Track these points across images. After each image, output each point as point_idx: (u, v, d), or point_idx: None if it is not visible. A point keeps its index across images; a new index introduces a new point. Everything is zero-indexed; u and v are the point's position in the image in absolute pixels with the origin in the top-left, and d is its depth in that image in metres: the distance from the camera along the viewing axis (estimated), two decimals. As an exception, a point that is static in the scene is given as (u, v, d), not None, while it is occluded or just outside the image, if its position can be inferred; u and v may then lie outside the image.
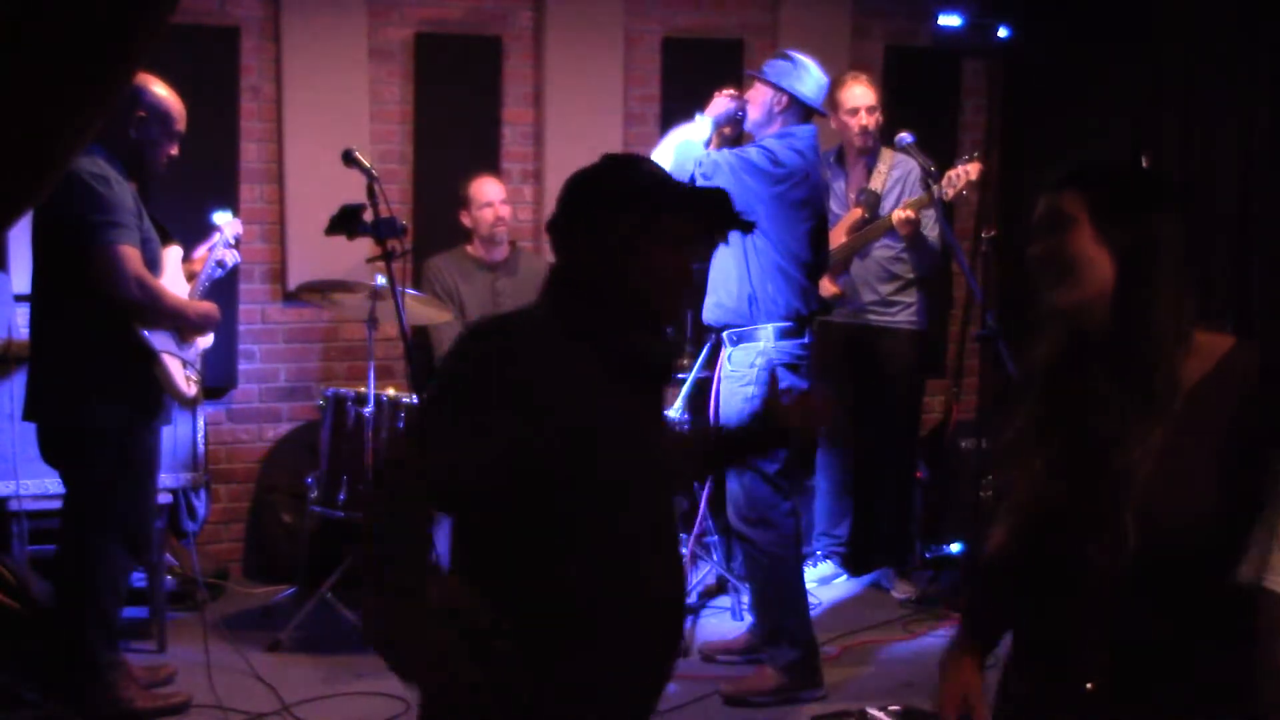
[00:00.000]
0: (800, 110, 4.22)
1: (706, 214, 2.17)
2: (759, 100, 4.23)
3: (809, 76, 4.21)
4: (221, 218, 4.34)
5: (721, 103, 4.30)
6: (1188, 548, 1.89)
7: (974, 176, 4.94)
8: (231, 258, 4.31)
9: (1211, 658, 1.92)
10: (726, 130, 4.33)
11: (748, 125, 4.29)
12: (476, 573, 2.08)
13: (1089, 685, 1.93)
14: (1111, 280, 1.93)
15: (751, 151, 4.14)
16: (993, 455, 2.19)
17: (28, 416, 3.92)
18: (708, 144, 4.25)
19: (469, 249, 5.32)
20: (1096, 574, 1.91)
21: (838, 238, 5.03)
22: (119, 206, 3.77)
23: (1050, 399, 2.00)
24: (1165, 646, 1.92)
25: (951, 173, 4.95)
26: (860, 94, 5.13)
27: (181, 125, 3.98)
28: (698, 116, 4.31)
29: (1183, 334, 1.94)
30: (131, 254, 3.77)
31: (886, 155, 5.09)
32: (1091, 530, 1.91)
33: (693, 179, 4.10)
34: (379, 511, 2.04)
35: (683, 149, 4.18)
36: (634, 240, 2.08)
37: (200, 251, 4.27)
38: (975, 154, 5.09)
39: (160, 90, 3.92)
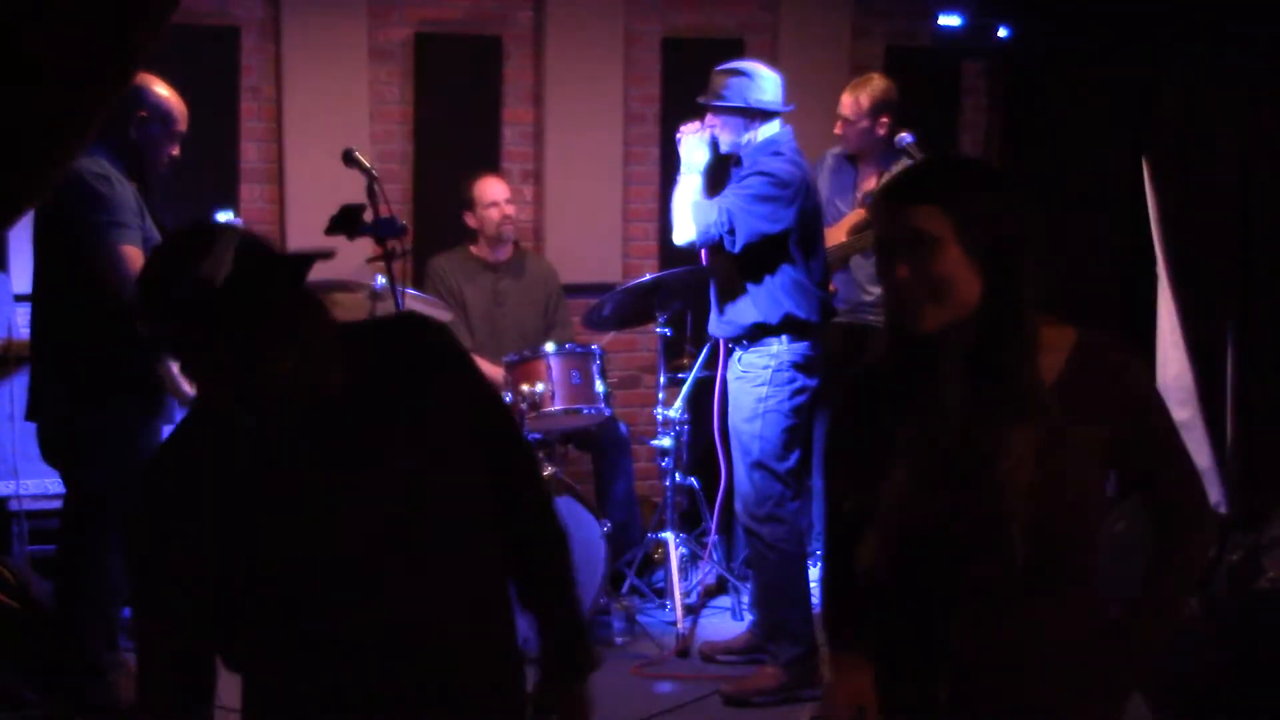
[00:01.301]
0: (768, 115, 4.23)
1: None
2: (728, 124, 4.23)
3: (764, 81, 4.22)
4: (222, 218, 4.33)
5: (692, 144, 4.31)
6: (1076, 552, 1.89)
7: None
8: None
9: (1081, 659, 1.92)
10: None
11: (724, 149, 4.29)
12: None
13: (943, 694, 1.91)
14: (978, 294, 1.86)
15: (753, 182, 4.13)
16: (843, 469, 2.06)
17: (29, 416, 3.92)
18: (705, 190, 4.28)
19: (473, 249, 5.32)
20: (974, 586, 1.87)
21: (838, 236, 5.03)
22: (121, 206, 3.77)
23: (899, 410, 1.92)
24: (1046, 651, 1.90)
25: None
26: (842, 102, 5.11)
27: (183, 125, 3.98)
28: (679, 175, 4.33)
29: (1036, 331, 1.89)
30: (133, 254, 3.77)
31: (901, 162, 5.06)
32: (969, 543, 1.86)
33: (720, 239, 4.13)
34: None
35: (698, 212, 4.18)
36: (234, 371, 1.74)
37: None
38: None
39: (162, 90, 3.92)
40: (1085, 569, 1.93)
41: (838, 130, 5.11)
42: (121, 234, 3.75)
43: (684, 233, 4.22)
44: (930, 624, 1.92)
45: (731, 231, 4.12)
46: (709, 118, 4.29)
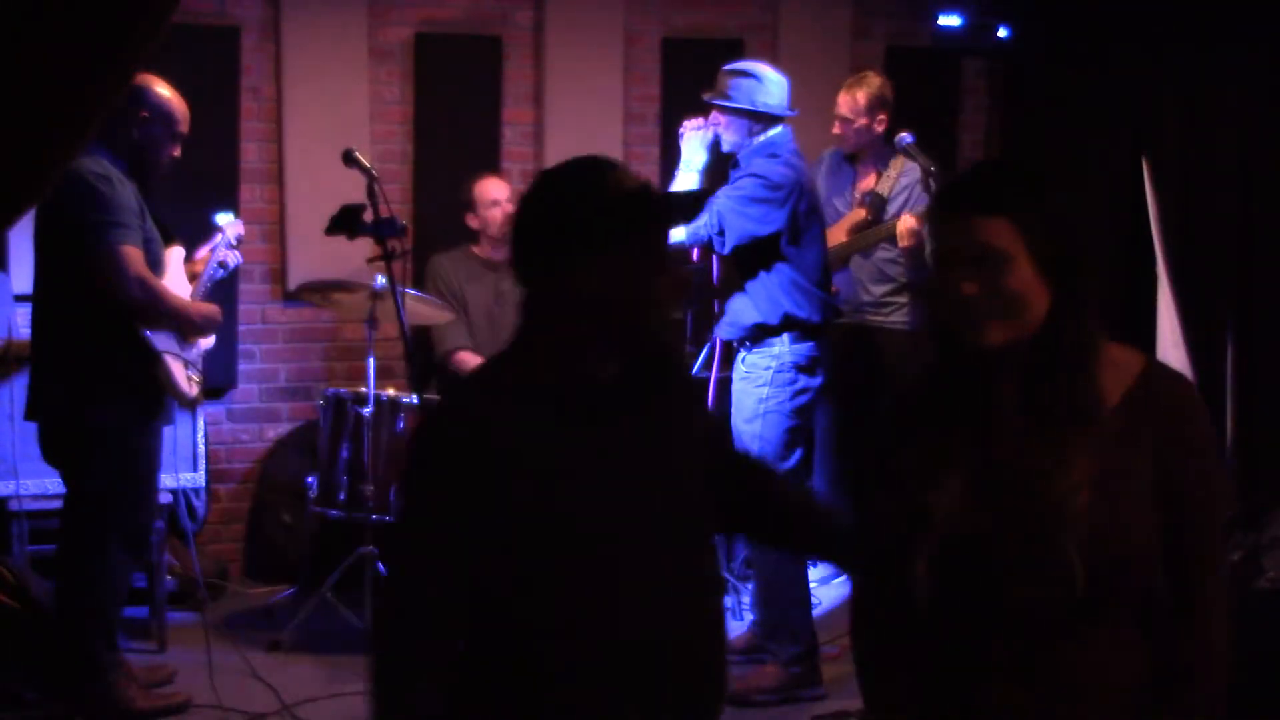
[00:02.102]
0: (773, 119, 4.23)
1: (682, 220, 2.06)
2: (732, 125, 4.24)
3: (771, 85, 4.23)
4: (223, 219, 4.34)
5: (694, 141, 4.31)
6: (1129, 587, 1.79)
7: None
8: (233, 259, 4.31)
9: (1126, 704, 1.82)
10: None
11: (726, 148, 4.30)
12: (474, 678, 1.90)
13: None
14: (1045, 309, 1.78)
15: (745, 185, 4.14)
16: (890, 482, 1.92)
17: (29, 416, 3.92)
18: (702, 169, 4.28)
19: (474, 249, 5.32)
20: (1024, 610, 1.77)
21: (838, 236, 5.03)
22: (121, 206, 3.77)
23: (951, 423, 1.84)
24: (1092, 690, 1.80)
25: None
26: (839, 102, 5.11)
27: (184, 126, 3.98)
28: (678, 172, 4.33)
29: (1100, 347, 1.82)
30: (134, 254, 3.77)
31: (898, 161, 5.06)
32: (1023, 563, 1.76)
33: (710, 239, 4.14)
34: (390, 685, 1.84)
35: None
36: (621, 260, 1.85)
37: (202, 252, 4.28)
38: None
39: (163, 91, 3.93)
40: (1137, 609, 1.82)
41: (836, 130, 5.11)
42: (122, 234, 3.75)
43: (674, 233, 4.22)
44: (977, 649, 1.81)
45: (721, 233, 4.13)
46: (714, 116, 4.29)
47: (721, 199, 4.15)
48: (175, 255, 4.11)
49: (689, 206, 3.79)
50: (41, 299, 3.90)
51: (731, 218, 4.11)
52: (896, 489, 1.87)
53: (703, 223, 4.13)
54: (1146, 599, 1.82)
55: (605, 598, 1.84)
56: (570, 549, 1.83)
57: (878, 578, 1.93)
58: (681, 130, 4.40)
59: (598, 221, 1.83)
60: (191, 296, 4.11)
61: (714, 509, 2.00)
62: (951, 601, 1.81)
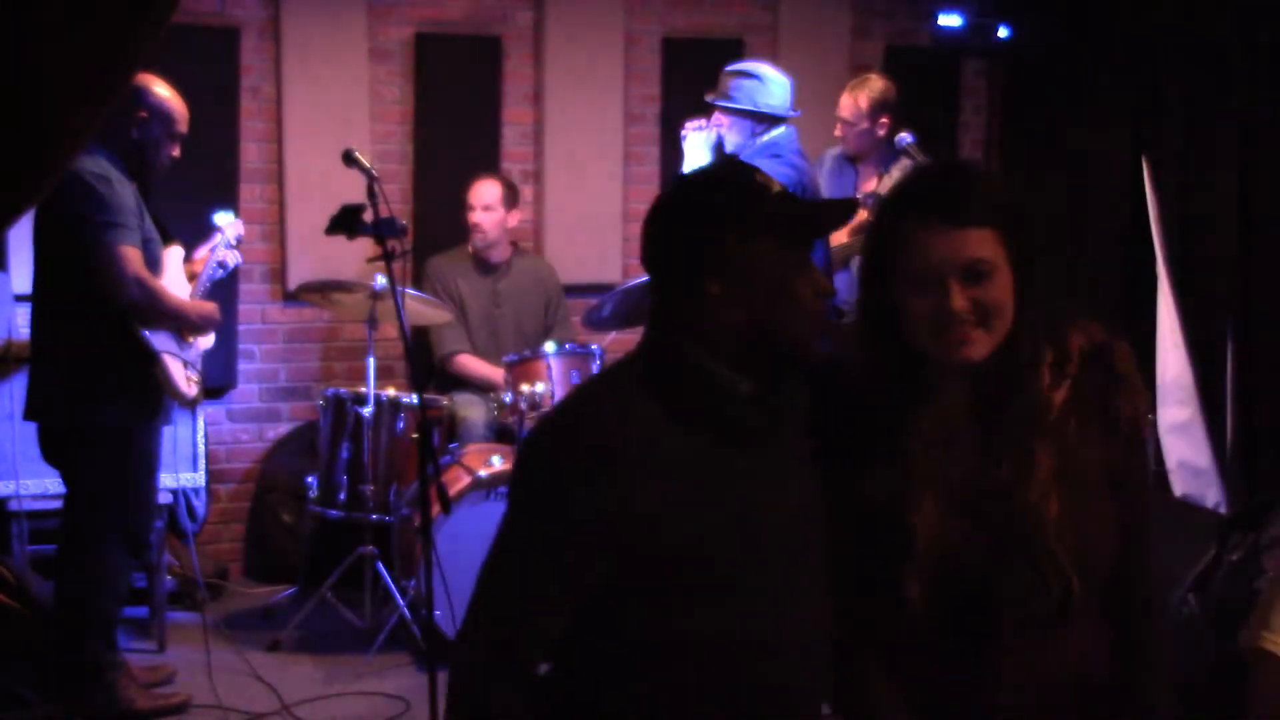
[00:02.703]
0: (776, 120, 4.24)
1: (830, 228, 1.88)
2: (735, 126, 4.24)
3: (773, 85, 4.23)
4: (223, 219, 4.33)
5: (696, 145, 4.30)
6: (1103, 569, 1.80)
7: None
8: (233, 258, 4.31)
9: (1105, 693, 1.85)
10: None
11: (729, 149, 4.30)
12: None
13: None
14: (1012, 316, 1.75)
15: None
16: (855, 510, 1.84)
17: (28, 416, 3.92)
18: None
19: (472, 250, 5.32)
20: (1016, 619, 1.76)
21: (839, 237, 5.01)
22: (120, 207, 3.77)
23: (906, 441, 1.78)
24: (1081, 685, 1.82)
25: None
26: (841, 104, 5.10)
27: (184, 126, 3.98)
28: (680, 173, 4.32)
29: (1056, 346, 1.80)
30: (132, 254, 3.77)
31: (902, 163, 5.05)
32: (1011, 574, 1.75)
33: None
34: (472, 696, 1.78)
35: None
36: (776, 270, 1.75)
37: (201, 252, 4.28)
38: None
39: (163, 91, 3.93)
40: (1102, 598, 1.84)
41: (837, 132, 5.10)
42: (120, 234, 3.75)
43: None
44: (969, 663, 1.79)
45: None
46: (717, 116, 4.28)
47: None
48: (174, 255, 4.11)
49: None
50: (41, 299, 3.89)
51: None
52: (871, 515, 1.80)
53: None
54: (1108, 587, 1.84)
55: (725, 618, 1.75)
56: (695, 568, 1.74)
57: (868, 604, 1.84)
58: (683, 132, 4.40)
59: (729, 223, 1.75)
60: (191, 296, 4.11)
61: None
62: (947, 619, 1.78)
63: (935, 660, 1.81)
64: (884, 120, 5.05)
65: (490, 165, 5.59)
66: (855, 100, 5.02)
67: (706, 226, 1.75)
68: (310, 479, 4.80)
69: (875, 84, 5.05)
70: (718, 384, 1.77)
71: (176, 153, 4.00)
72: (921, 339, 1.76)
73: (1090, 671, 1.83)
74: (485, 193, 5.22)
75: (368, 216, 4.01)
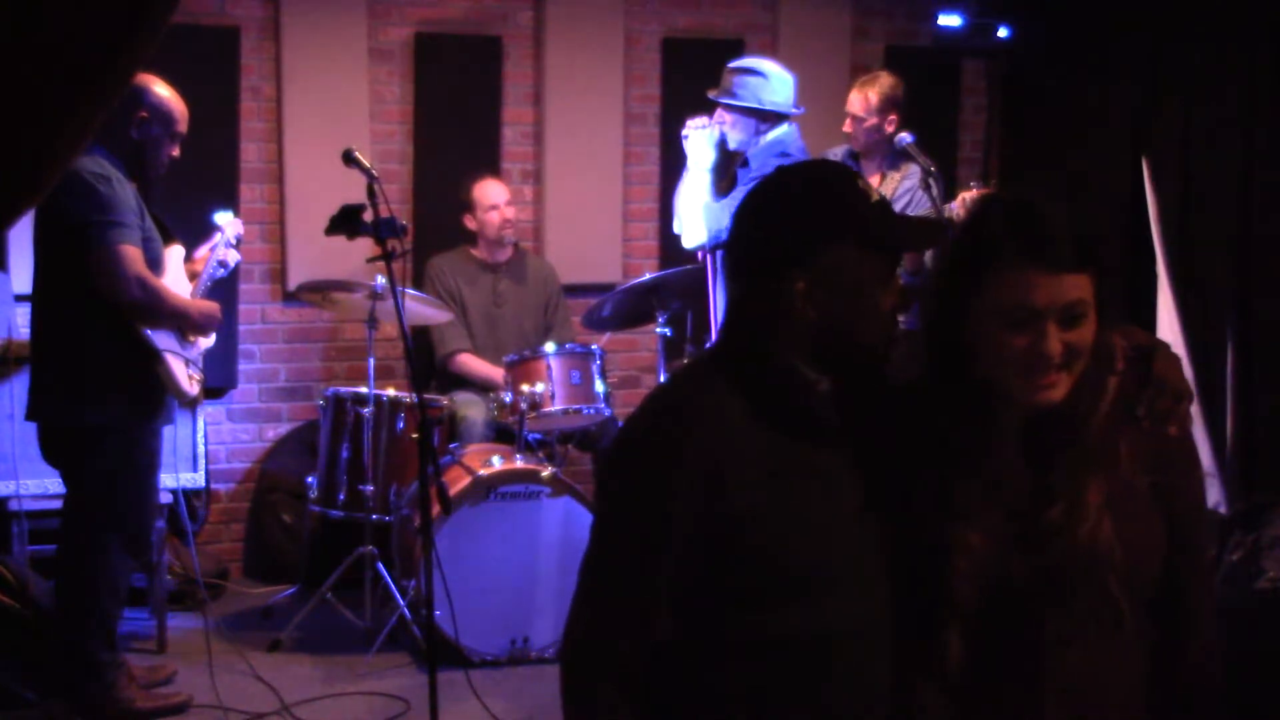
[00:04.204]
0: (779, 117, 4.22)
1: (920, 246, 1.90)
2: (739, 123, 4.22)
3: (777, 82, 4.22)
4: (223, 218, 4.34)
5: (698, 141, 4.29)
6: (1150, 588, 1.80)
7: None
8: (233, 257, 4.31)
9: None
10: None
11: (732, 146, 4.29)
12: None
13: None
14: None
15: None
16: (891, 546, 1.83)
17: (30, 416, 3.91)
18: (715, 190, 4.25)
19: (472, 250, 5.32)
20: (1062, 648, 1.75)
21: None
22: (121, 206, 3.77)
23: (953, 473, 1.77)
24: (1114, 683, 1.80)
25: (966, 194, 4.90)
26: (850, 101, 5.10)
27: (183, 126, 3.98)
28: (686, 172, 4.31)
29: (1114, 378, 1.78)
30: (133, 254, 3.77)
31: (903, 163, 5.05)
32: (1068, 612, 1.74)
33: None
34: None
35: (709, 215, 4.16)
36: (845, 274, 1.76)
37: (202, 251, 4.28)
38: (991, 180, 5.07)
39: (162, 91, 3.93)
40: (1147, 612, 1.83)
41: (847, 128, 5.10)
42: (121, 234, 3.75)
43: (694, 235, 4.20)
44: (1011, 689, 1.77)
45: None
46: (719, 113, 4.27)
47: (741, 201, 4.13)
48: (175, 254, 4.11)
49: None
50: (41, 299, 3.89)
51: None
52: (915, 546, 1.78)
53: (725, 225, 4.08)
54: (1158, 602, 1.82)
55: (808, 628, 1.75)
56: (779, 564, 1.75)
57: (909, 647, 1.81)
58: (685, 131, 4.39)
59: (826, 227, 1.76)
60: (191, 295, 4.11)
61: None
62: (986, 670, 1.76)
63: (976, 691, 1.79)
64: (892, 118, 5.05)
65: (490, 165, 5.59)
66: (866, 96, 5.02)
67: (803, 223, 1.77)
68: (310, 479, 4.80)
69: (885, 80, 5.05)
70: (801, 381, 1.79)
71: (176, 152, 4.01)
72: (1006, 377, 1.74)
73: (1123, 687, 1.82)
74: (495, 192, 5.25)
75: (368, 216, 4.01)
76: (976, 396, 1.77)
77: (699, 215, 4.19)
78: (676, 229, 4.42)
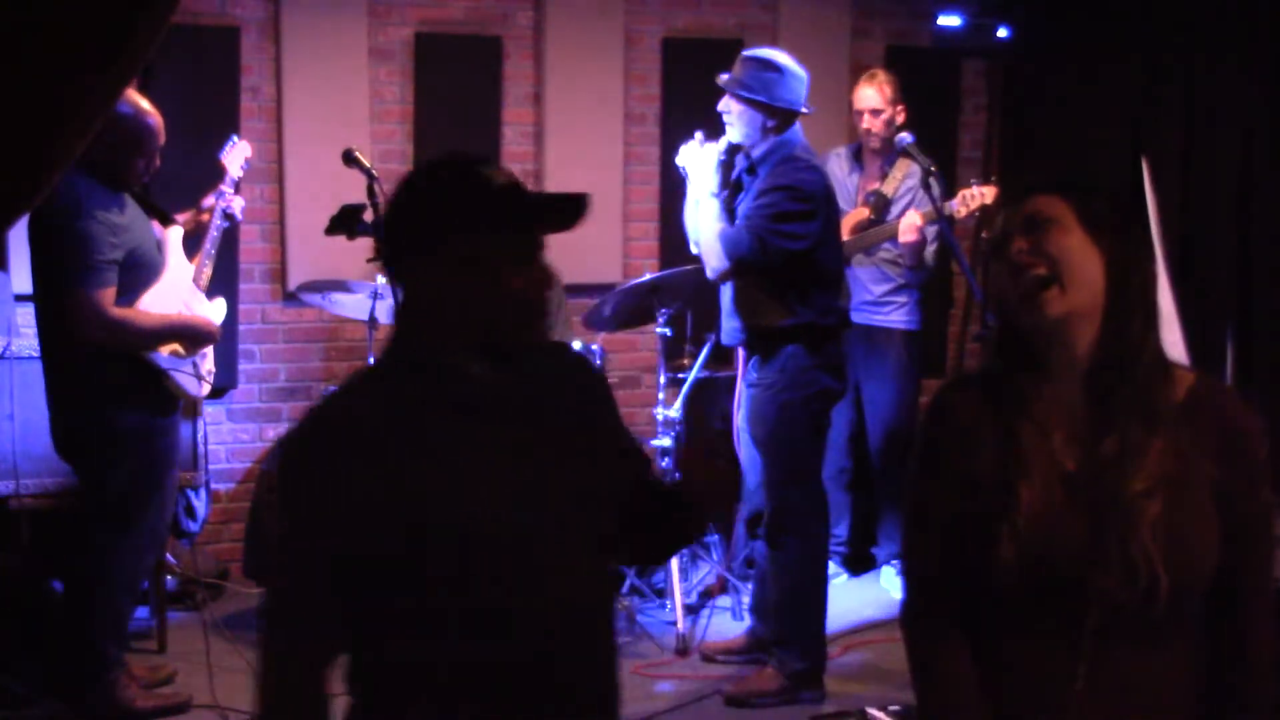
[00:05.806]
0: (788, 115, 4.14)
1: (559, 224, 1.91)
2: (745, 115, 4.11)
3: (792, 79, 4.10)
4: (228, 155, 4.35)
5: (701, 166, 4.20)
6: (1199, 588, 1.80)
7: (989, 200, 4.86)
8: (238, 205, 4.32)
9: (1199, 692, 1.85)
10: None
11: (734, 139, 4.18)
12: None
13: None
14: (1102, 289, 1.80)
15: (774, 199, 4.03)
16: (953, 478, 1.88)
17: (54, 419, 3.88)
18: (720, 194, 4.20)
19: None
20: (1102, 616, 1.77)
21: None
22: (92, 240, 3.71)
23: (1016, 418, 1.84)
24: (1164, 688, 1.81)
25: (966, 192, 4.90)
26: (866, 96, 5.11)
27: (162, 138, 3.92)
28: (689, 192, 4.27)
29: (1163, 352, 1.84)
30: (97, 298, 3.73)
31: (904, 162, 5.04)
32: (1105, 562, 1.76)
33: (755, 261, 4.05)
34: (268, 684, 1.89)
35: (728, 242, 4.02)
36: (476, 260, 1.82)
37: (209, 201, 4.27)
38: (992, 177, 5.07)
39: (141, 103, 3.87)
40: (1198, 619, 1.84)
41: (864, 124, 5.11)
42: (87, 277, 3.71)
43: (717, 263, 4.09)
44: (1051, 654, 1.81)
45: (765, 253, 4.04)
46: (722, 102, 4.18)
47: (755, 219, 4.04)
48: (175, 235, 4.11)
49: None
50: (42, 301, 3.89)
51: (769, 239, 4.01)
52: (978, 486, 1.84)
53: (745, 250, 4.03)
54: (1206, 608, 1.83)
55: (470, 606, 1.80)
56: (431, 543, 1.78)
57: (948, 567, 1.87)
58: (680, 163, 4.31)
59: (448, 217, 1.84)
60: (200, 259, 4.12)
61: (610, 519, 1.94)
62: (1036, 603, 1.80)
63: (1018, 644, 1.83)
64: (901, 107, 5.08)
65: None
66: (881, 90, 5.06)
67: (429, 216, 1.86)
68: (310, 479, 4.79)
69: (887, 74, 5.11)
70: (445, 370, 1.84)
71: (158, 163, 3.96)
72: (1012, 306, 1.84)
73: (1174, 693, 1.82)
74: None
75: (368, 216, 4.02)
76: (1031, 352, 1.86)
77: (715, 244, 4.11)
78: (694, 250, 4.36)
